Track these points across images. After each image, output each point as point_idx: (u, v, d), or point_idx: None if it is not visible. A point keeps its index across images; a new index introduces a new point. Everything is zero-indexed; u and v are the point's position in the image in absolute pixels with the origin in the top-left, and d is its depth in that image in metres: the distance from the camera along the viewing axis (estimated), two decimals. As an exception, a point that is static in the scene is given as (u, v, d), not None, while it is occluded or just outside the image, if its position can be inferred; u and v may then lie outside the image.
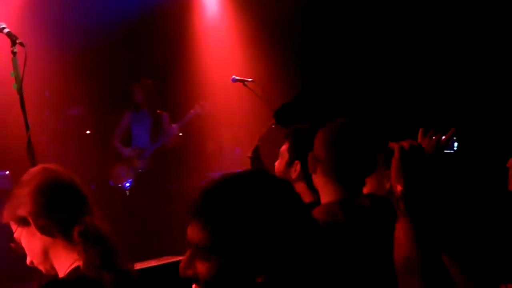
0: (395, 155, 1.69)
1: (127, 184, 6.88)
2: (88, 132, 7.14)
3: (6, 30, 3.77)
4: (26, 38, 3.79)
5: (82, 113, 7.17)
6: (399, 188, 1.66)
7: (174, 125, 7.09)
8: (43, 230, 1.89)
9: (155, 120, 7.09)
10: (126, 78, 7.33)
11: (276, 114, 4.60)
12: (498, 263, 2.56)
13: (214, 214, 1.32)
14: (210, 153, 7.90)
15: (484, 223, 3.69)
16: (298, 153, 2.98)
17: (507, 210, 3.82)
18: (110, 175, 6.92)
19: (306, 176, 2.80)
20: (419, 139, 2.43)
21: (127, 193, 6.85)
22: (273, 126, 4.53)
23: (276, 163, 3.16)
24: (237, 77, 5.88)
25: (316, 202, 2.38)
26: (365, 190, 2.29)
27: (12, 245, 1.96)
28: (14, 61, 3.70)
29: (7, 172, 6.23)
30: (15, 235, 1.95)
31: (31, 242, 1.92)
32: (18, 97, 3.70)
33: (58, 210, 1.89)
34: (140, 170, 6.89)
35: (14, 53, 3.72)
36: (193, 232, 1.33)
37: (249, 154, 4.70)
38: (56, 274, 1.94)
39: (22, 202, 1.91)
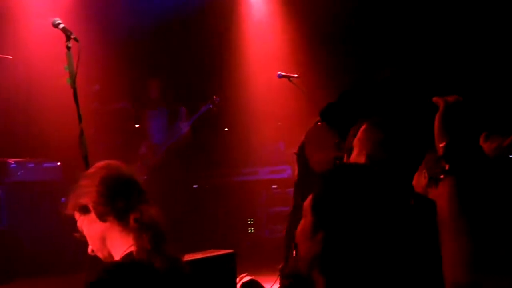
0: (439, 109, 1.66)
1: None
2: (137, 126, 7.24)
3: (61, 26, 3.86)
4: (76, 33, 3.88)
5: (128, 106, 7.26)
6: (442, 144, 1.63)
7: (184, 123, 7.09)
8: (102, 216, 2.00)
9: (170, 116, 7.13)
10: (172, 74, 7.40)
11: (322, 113, 4.59)
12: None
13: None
14: (254, 148, 7.92)
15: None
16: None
17: None
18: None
19: None
20: (481, 143, 2.39)
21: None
22: (318, 124, 4.52)
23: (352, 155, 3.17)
24: (283, 73, 5.89)
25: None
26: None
27: (76, 234, 2.08)
28: (68, 56, 3.78)
29: (59, 164, 6.37)
30: (78, 224, 2.08)
31: (90, 229, 2.03)
32: (68, 90, 3.79)
33: (117, 198, 2.00)
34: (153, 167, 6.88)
35: (68, 48, 3.80)
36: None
37: (295, 151, 4.71)
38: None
39: (85, 192, 2.03)
